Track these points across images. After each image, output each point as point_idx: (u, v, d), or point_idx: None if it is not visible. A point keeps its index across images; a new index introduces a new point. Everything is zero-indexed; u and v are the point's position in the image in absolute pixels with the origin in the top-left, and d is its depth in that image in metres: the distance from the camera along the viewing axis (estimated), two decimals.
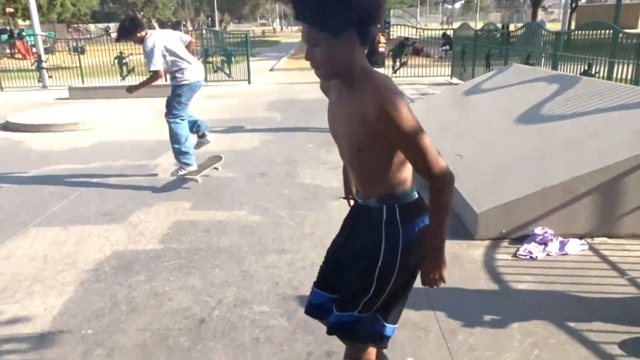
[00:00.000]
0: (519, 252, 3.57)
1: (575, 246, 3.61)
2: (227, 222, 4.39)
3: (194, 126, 5.57)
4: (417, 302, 3.01)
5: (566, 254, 3.54)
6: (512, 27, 16.69)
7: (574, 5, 25.78)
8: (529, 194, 3.76)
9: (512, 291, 3.12)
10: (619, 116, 4.44)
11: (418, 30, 17.15)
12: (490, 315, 2.86)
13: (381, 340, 1.88)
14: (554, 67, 8.17)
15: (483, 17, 62.83)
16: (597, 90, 5.26)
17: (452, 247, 3.73)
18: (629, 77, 6.36)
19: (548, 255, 3.54)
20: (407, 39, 17.57)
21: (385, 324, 1.85)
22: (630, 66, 6.23)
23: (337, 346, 2.62)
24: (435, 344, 2.63)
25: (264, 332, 2.78)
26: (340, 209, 4.57)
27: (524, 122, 5.24)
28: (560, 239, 3.67)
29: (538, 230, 3.72)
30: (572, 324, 2.75)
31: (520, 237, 3.78)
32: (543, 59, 8.76)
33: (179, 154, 5.29)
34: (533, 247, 3.58)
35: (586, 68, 7.27)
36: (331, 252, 2.02)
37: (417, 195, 1.77)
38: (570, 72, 7.65)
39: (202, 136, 5.80)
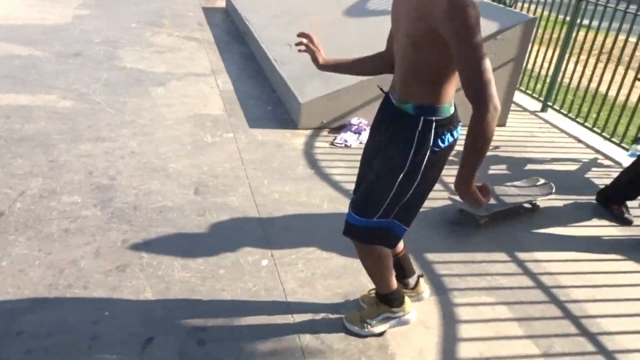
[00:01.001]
0: (335, 141, 3.83)
1: None
2: (32, 107, 3.91)
3: None
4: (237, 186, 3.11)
5: None
6: None
7: None
8: (348, 85, 3.97)
9: (325, 175, 3.38)
10: None
11: None
12: (304, 197, 3.09)
13: (395, 240, 1.94)
14: None
15: None
16: None
17: (276, 137, 3.85)
18: None
19: (361, 143, 3.86)
20: None
21: (403, 226, 1.89)
22: None
23: (155, 233, 2.63)
24: (254, 225, 2.79)
25: (75, 222, 2.65)
26: (168, 96, 4.35)
27: (354, 15, 5.37)
28: None
29: (354, 120, 4.00)
30: None
31: (339, 127, 4.04)
32: None
33: None
34: (349, 136, 3.87)
35: None
36: (363, 155, 2.00)
37: (453, 111, 1.75)
38: None
39: None
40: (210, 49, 5.78)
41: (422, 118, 1.70)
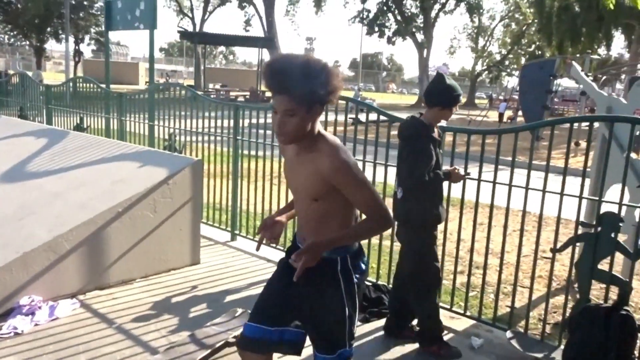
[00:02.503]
0: (1, 332, 3.13)
1: (67, 307, 3.47)
2: None
3: None
4: None
5: (57, 318, 3.35)
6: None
7: (77, 59, 26.57)
8: (8, 262, 3.38)
9: None
10: (101, 169, 4.65)
11: None
12: None
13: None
14: (49, 120, 7.96)
15: None
16: (83, 144, 5.38)
17: None
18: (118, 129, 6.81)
19: (37, 325, 3.25)
20: None
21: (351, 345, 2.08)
22: (117, 121, 6.70)
23: None
24: None
25: None
26: None
27: (9, 180, 4.79)
28: (51, 303, 3.46)
29: (24, 300, 3.38)
30: None
31: (6, 313, 3.34)
32: (38, 111, 8.41)
33: None
34: (19, 321, 3.22)
35: (78, 122, 7.39)
36: (274, 290, 2.12)
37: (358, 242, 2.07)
38: (66, 126, 7.61)
39: None
40: None
41: (338, 257, 1.98)
